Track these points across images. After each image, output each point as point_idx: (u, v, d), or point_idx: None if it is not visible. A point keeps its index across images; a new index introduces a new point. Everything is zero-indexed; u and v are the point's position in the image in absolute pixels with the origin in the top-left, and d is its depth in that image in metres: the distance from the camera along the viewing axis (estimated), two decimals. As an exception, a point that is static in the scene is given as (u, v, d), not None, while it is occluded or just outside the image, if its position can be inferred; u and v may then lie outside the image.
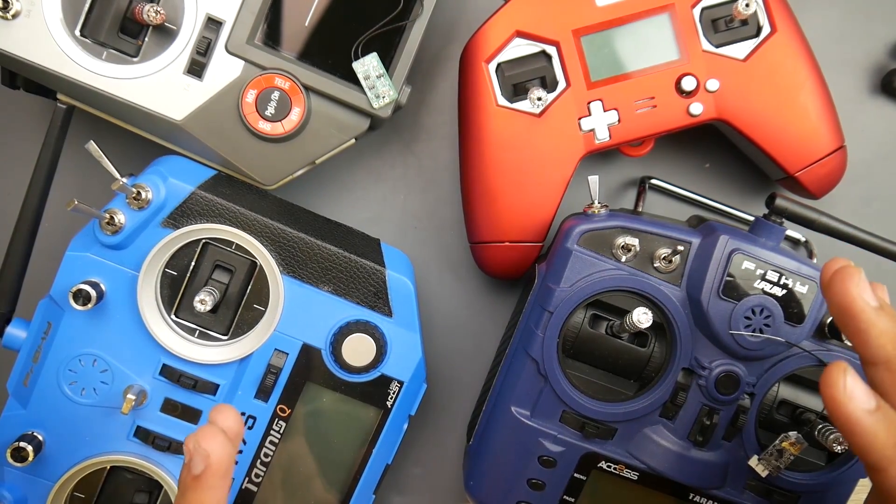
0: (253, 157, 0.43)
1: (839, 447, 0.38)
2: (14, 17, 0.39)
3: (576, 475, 0.42)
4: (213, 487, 0.31)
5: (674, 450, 0.41)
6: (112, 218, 0.39)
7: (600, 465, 0.42)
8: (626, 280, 0.40)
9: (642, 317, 0.38)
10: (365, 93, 0.42)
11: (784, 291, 0.39)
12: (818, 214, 0.40)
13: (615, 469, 0.42)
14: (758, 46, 0.43)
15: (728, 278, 0.39)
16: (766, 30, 0.43)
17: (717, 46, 0.43)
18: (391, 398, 0.43)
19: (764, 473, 0.40)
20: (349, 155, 0.48)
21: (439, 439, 0.51)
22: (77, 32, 0.40)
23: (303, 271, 0.42)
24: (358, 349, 0.42)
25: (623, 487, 0.43)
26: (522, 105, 0.43)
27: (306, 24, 0.42)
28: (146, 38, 0.41)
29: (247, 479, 0.43)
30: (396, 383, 0.43)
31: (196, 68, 0.41)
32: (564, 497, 0.43)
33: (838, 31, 0.49)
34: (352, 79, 0.42)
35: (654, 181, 0.49)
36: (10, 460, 0.40)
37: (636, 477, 0.42)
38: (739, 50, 0.43)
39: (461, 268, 0.50)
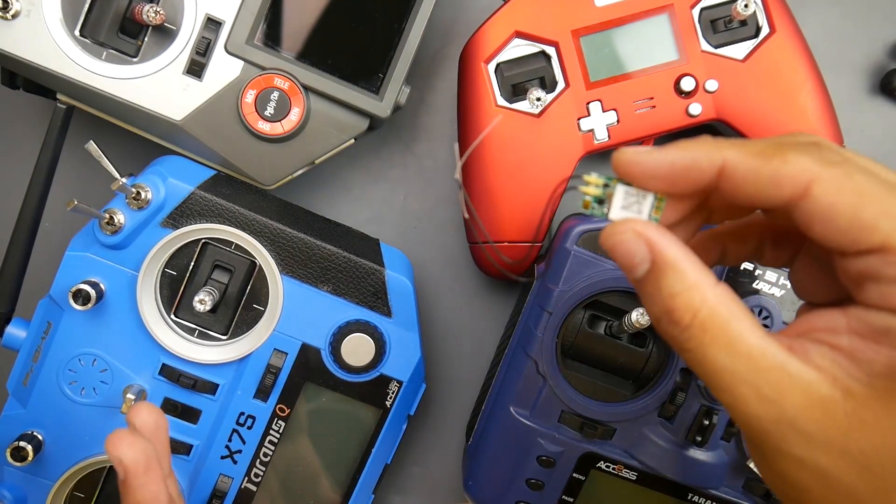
0: (252, 157, 0.43)
1: None
2: (14, 17, 0.39)
3: (574, 475, 0.42)
4: (142, 485, 0.32)
5: (672, 450, 0.41)
6: (112, 218, 0.40)
7: (599, 465, 0.42)
8: (626, 280, 0.40)
9: (641, 317, 0.38)
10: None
11: (783, 292, 0.39)
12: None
13: (614, 469, 0.42)
14: (757, 47, 0.43)
15: (727, 278, 0.39)
16: (765, 30, 0.43)
17: (716, 47, 0.43)
18: (390, 398, 0.43)
19: (762, 474, 0.40)
20: (348, 155, 0.48)
21: (438, 439, 0.51)
22: (77, 32, 0.40)
23: (302, 271, 0.42)
24: (357, 349, 0.42)
25: (622, 487, 0.43)
26: (521, 105, 0.43)
27: (305, 24, 0.42)
28: (146, 39, 0.41)
29: (246, 478, 0.43)
30: (395, 383, 0.43)
31: (195, 68, 0.41)
32: (563, 497, 0.43)
33: (837, 32, 0.49)
34: (351, 79, 0.42)
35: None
36: (10, 460, 0.40)
37: (635, 477, 0.42)
38: (738, 50, 0.43)
39: (460, 268, 0.50)
